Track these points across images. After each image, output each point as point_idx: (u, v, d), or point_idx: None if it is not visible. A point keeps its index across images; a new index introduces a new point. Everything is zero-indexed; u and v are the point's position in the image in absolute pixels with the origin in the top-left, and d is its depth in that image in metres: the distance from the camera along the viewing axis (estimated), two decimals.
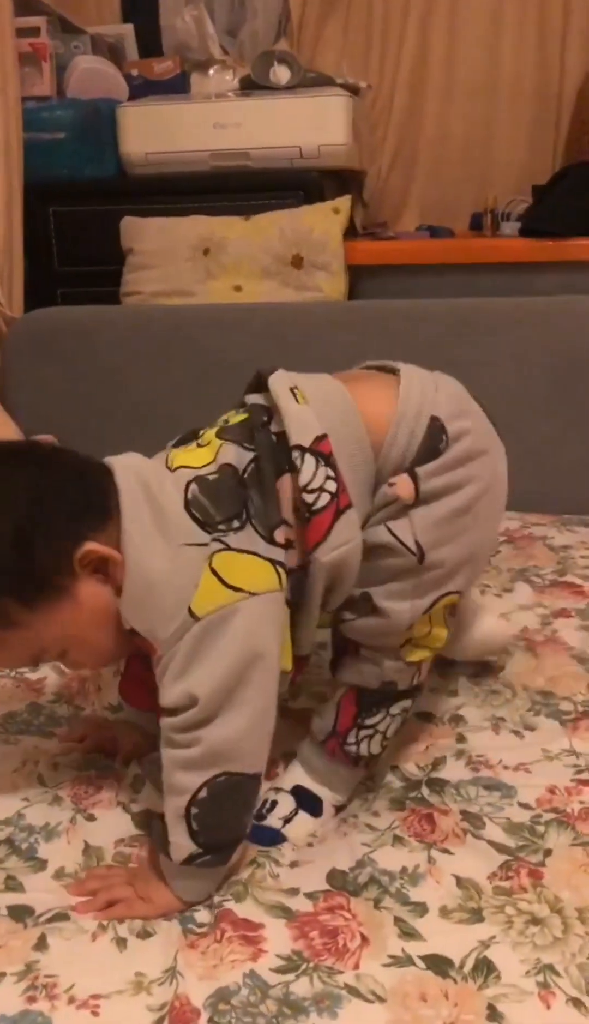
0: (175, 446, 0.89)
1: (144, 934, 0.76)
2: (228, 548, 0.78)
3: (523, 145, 2.39)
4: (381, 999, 0.70)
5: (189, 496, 0.80)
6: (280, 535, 0.81)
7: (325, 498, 0.82)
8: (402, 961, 0.73)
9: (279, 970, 0.72)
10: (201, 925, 0.78)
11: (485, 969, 0.72)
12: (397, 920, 0.77)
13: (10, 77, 1.86)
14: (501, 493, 0.93)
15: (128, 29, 2.36)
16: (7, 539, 0.75)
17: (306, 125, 2.03)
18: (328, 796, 0.91)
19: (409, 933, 0.76)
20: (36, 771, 0.98)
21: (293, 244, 1.96)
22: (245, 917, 0.77)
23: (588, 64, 2.30)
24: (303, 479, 0.81)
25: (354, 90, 2.16)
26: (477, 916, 0.77)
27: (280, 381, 0.87)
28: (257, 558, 0.79)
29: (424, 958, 0.73)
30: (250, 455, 0.83)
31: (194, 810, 0.77)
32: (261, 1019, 0.68)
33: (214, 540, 0.78)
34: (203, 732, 0.76)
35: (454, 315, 1.76)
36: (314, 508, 0.81)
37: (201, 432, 0.89)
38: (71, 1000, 0.70)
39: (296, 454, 0.82)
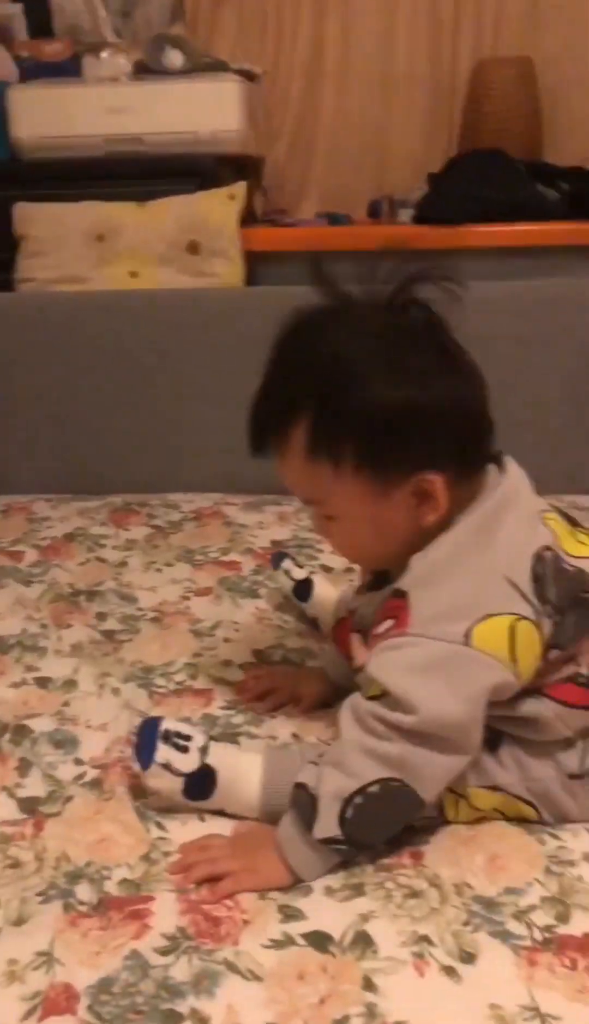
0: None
1: (18, 920, 0.75)
2: (538, 628, 0.78)
3: (419, 133, 2.42)
4: (258, 978, 0.70)
5: (537, 567, 0.79)
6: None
7: None
8: (282, 943, 0.73)
9: (161, 951, 0.72)
10: (83, 903, 0.77)
11: (363, 943, 0.73)
12: (281, 907, 0.77)
13: None
14: None
15: (16, 9, 2.30)
16: (402, 409, 0.76)
17: (200, 110, 2.02)
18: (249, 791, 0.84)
19: (292, 915, 0.76)
20: None
21: (189, 230, 1.95)
22: (133, 895, 0.77)
23: (479, 53, 2.33)
24: None
25: (249, 76, 2.16)
26: (358, 891, 0.78)
27: None
28: (531, 655, 0.78)
29: (305, 936, 0.74)
30: None
31: (358, 799, 0.76)
32: (139, 998, 0.68)
33: (528, 610, 0.78)
34: (404, 739, 0.75)
35: None
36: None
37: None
38: None
39: None
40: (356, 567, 1.39)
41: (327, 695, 1.03)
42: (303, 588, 1.22)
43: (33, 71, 2.17)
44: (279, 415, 0.81)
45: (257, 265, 2.05)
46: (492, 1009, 0.67)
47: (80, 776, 0.94)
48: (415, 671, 0.76)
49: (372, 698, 0.78)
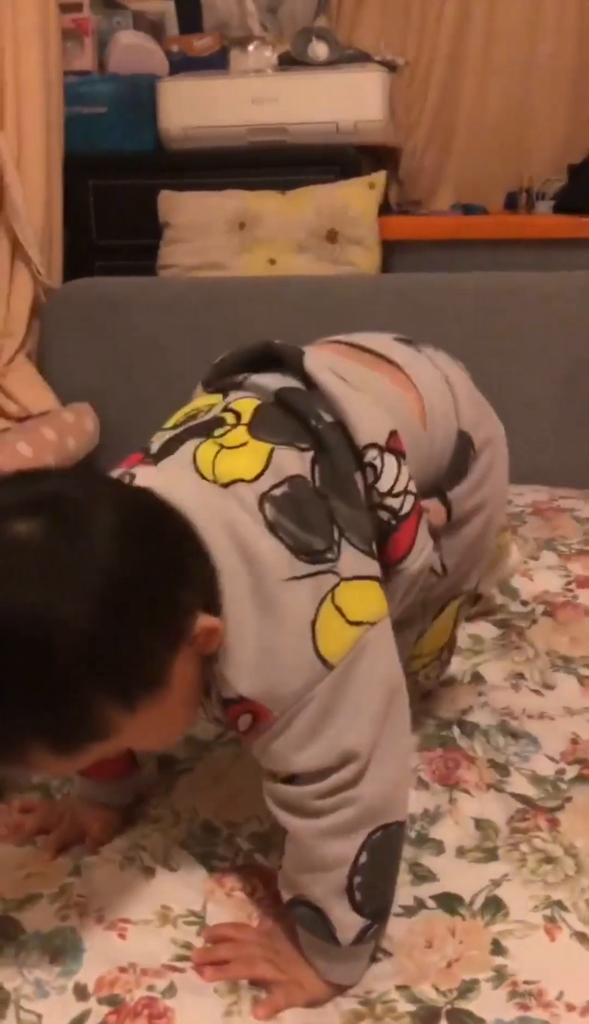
0: (187, 438, 0.72)
1: (169, 869, 0.79)
2: (341, 578, 0.67)
3: (560, 124, 2.38)
4: (388, 953, 0.71)
5: (269, 518, 0.66)
6: (373, 545, 0.71)
7: (410, 501, 0.74)
8: (412, 910, 0.75)
9: None
10: (224, 859, 0.81)
11: (494, 907, 0.75)
12: (413, 866, 0.79)
13: (53, 52, 1.88)
14: (506, 487, 0.91)
15: (169, 6, 2.38)
16: (98, 626, 0.57)
17: (343, 101, 2.05)
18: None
19: (423, 876, 0.78)
20: None
21: (328, 219, 1.98)
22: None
23: None
24: (385, 483, 0.72)
25: (392, 67, 2.17)
26: (492, 855, 0.80)
27: (319, 367, 0.75)
28: (367, 581, 0.69)
29: (435, 898, 0.76)
30: (309, 456, 0.70)
31: (357, 879, 0.66)
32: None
33: (324, 573, 0.66)
34: (356, 791, 0.65)
35: (485, 288, 1.77)
36: (401, 514, 0.73)
37: (220, 429, 0.72)
38: (99, 920, 0.74)
39: (372, 454, 0.72)
40: None
41: (116, 821, 0.85)
42: None
43: (183, 65, 2.23)
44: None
45: (392, 254, 2.07)
46: None
47: None
48: (312, 734, 0.65)
49: (287, 780, 0.67)
